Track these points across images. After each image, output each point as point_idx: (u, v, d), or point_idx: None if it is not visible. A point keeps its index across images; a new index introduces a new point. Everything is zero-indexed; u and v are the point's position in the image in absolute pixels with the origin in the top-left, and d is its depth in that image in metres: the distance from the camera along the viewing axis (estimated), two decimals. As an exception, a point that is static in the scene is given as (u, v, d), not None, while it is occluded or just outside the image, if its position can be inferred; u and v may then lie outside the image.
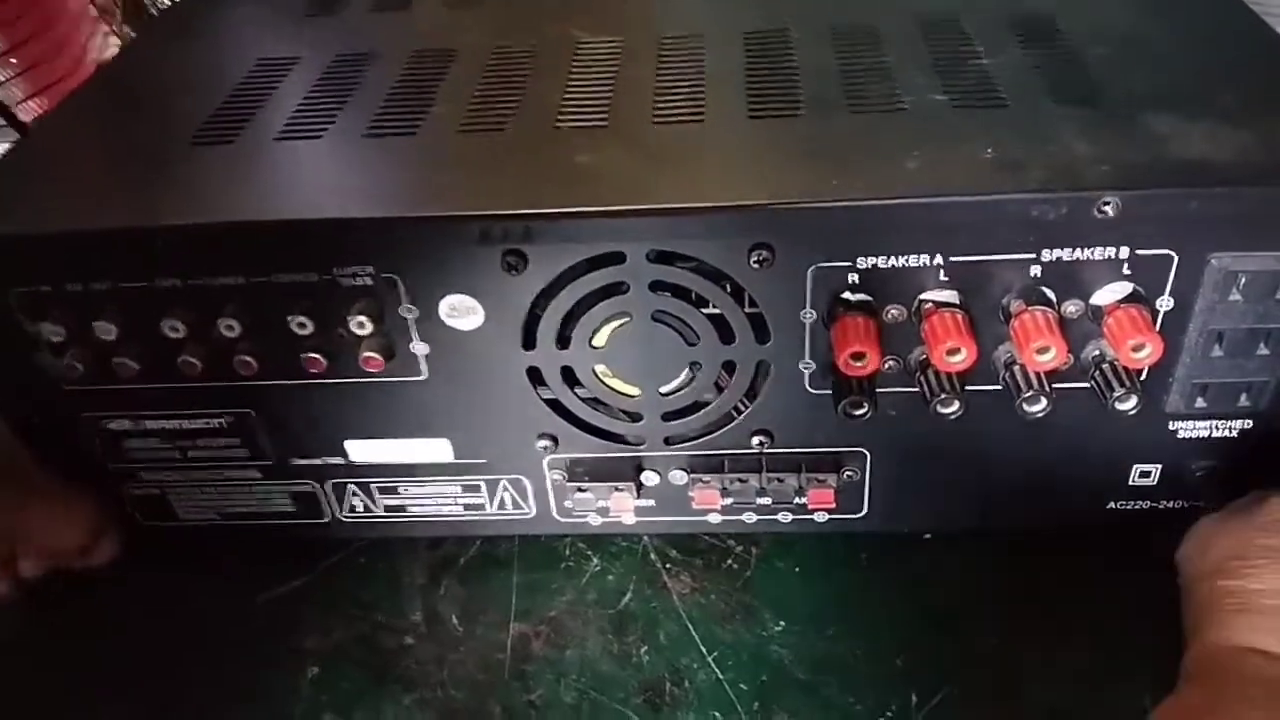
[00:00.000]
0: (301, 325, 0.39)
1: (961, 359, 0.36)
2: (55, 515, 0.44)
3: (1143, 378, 0.37)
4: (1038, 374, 0.37)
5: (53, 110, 0.49)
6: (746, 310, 0.38)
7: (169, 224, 0.38)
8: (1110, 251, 0.36)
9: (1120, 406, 0.37)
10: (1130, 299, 0.36)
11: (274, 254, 0.38)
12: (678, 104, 0.42)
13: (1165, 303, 0.37)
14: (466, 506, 0.46)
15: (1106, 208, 0.34)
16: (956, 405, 0.38)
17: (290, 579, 0.47)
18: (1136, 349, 0.35)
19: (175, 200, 0.40)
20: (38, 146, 0.48)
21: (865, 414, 0.38)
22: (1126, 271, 0.36)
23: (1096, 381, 0.37)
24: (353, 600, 0.46)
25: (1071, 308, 0.37)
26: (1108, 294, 0.36)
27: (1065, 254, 0.36)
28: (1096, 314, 0.37)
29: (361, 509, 0.46)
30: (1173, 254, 0.36)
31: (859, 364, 0.37)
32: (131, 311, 0.39)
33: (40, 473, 0.44)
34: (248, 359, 0.40)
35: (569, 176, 0.38)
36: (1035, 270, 0.36)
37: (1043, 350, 0.36)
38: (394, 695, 0.42)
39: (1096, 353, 0.37)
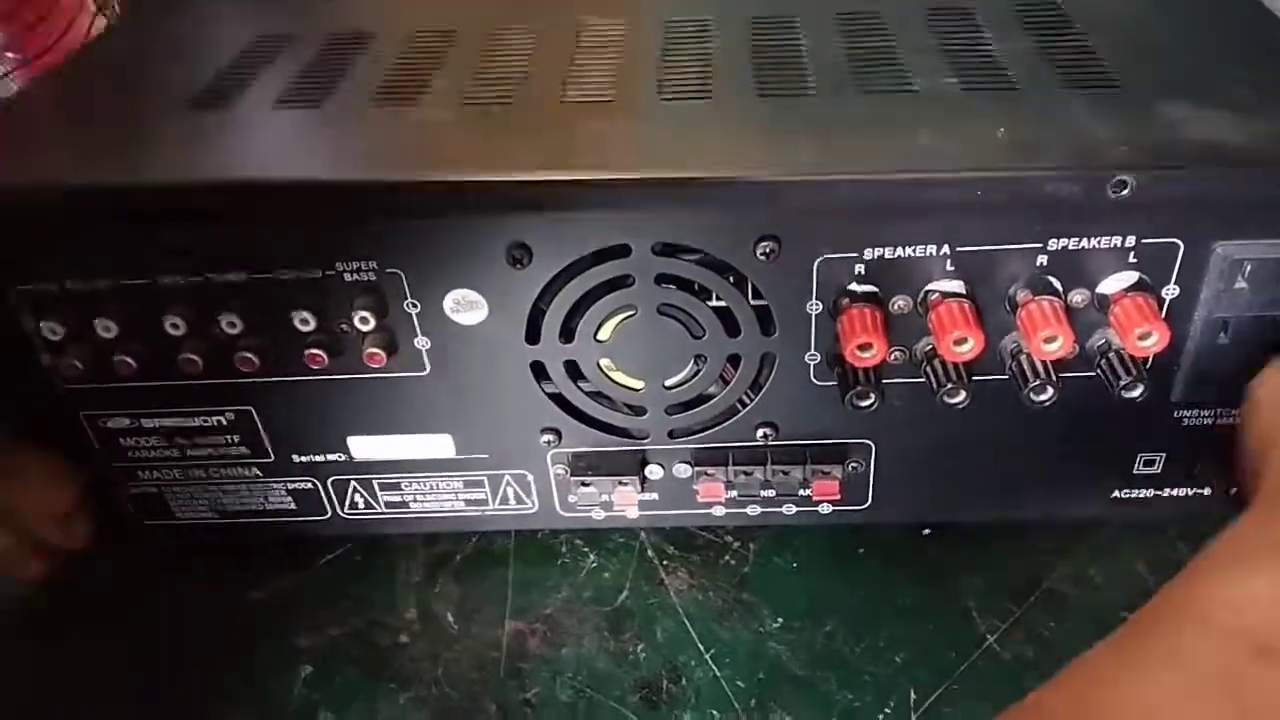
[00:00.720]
0: (304, 321, 0.38)
1: (969, 348, 0.36)
2: (43, 475, 0.43)
3: (1148, 366, 0.37)
4: (1044, 363, 0.37)
5: (37, 80, 0.47)
6: (752, 303, 0.38)
7: (163, 181, 0.37)
8: (1116, 240, 0.36)
9: (1127, 395, 0.37)
10: (1136, 287, 0.36)
11: (269, 226, 0.37)
12: (686, 82, 0.42)
13: (1171, 291, 0.37)
14: (468, 502, 0.45)
15: (1123, 189, 0.34)
16: (963, 395, 0.38)
17: (284, 576, 0.47)
18: (1143, 337, 0.35)
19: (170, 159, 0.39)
20: (21, 112, 0.47)
21: (872, 404, 0.38)
22: (1132, 260, 0.36)
23: (1103, 370, 0.37)
24: (347, 597, 0.46)
25: (1077, 297, 0.37)
26: (1114, 283, 0.36)
27: (1071, 243, 0.36)
28: (1103, 303, 0.37)
29: (363, 506, 0.46)
30: (1178, 242, 0.36)
31: (866, 355, 0.37)
32: (132, 309, 0.38)
33: (16, 440, 0.43)
34: (249, 355, 0.39)
35: (575, 150, 0.38)
36: (1042, 260, 0.36)
37: (1050, 339, 0.36)
38: (389, 693, 0.42)
39: (1103, 341, 0.37)
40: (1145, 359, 0.37)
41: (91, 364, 0.39)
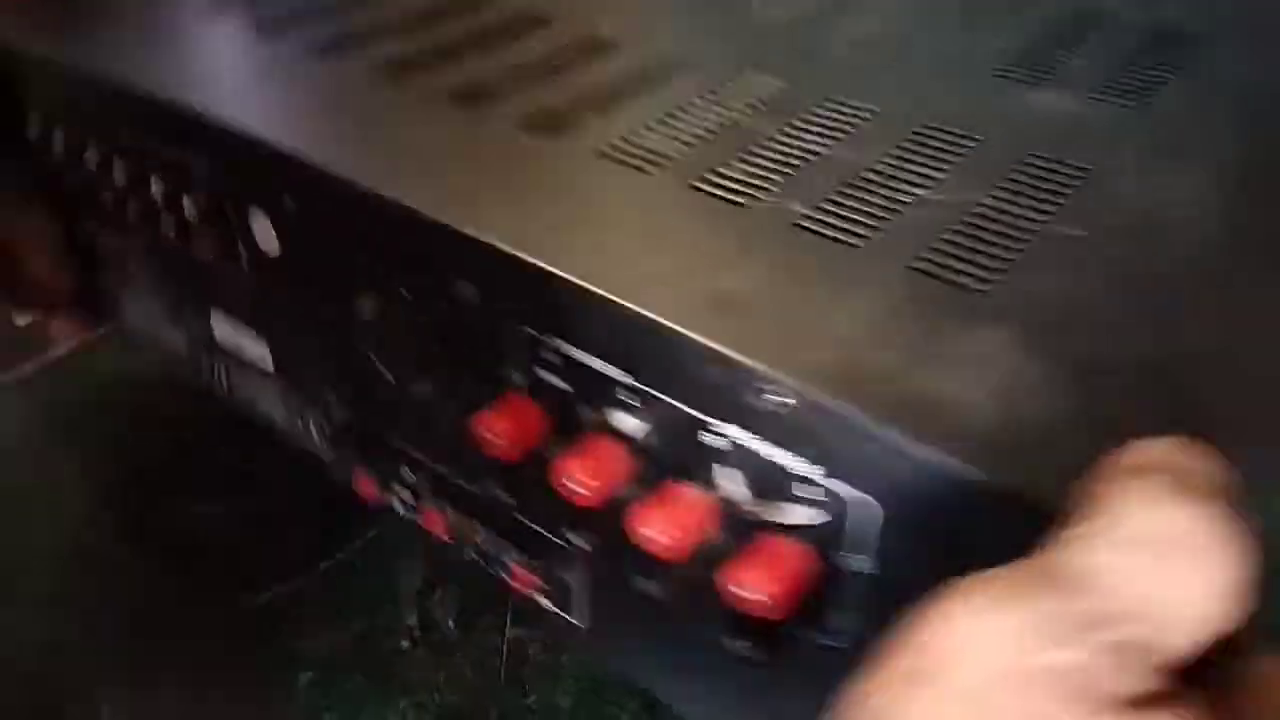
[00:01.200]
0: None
1: (588, 493, 0.30)
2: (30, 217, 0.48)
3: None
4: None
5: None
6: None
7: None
8: (800, 465, 0.27)
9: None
10: (800, 532, 0.27)
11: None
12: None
13: (851, 557, 0.27)
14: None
15: (771, 401, 0.26)
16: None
17: (285, 582, 0.47)
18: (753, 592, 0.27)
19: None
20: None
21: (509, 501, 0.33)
22: (815, 498, 0.27)
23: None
24: (348, 604, 0.46)
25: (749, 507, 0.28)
26: (786, 512, 0.28)
27: (748, 439, 0.28)
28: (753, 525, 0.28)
29: (227, 388, 0.48)
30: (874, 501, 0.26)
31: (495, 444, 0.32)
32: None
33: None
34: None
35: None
36: (717, 440, 0.28)
37: (656, 536, 0.28)
38: (391, 700, 0.42)
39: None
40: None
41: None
